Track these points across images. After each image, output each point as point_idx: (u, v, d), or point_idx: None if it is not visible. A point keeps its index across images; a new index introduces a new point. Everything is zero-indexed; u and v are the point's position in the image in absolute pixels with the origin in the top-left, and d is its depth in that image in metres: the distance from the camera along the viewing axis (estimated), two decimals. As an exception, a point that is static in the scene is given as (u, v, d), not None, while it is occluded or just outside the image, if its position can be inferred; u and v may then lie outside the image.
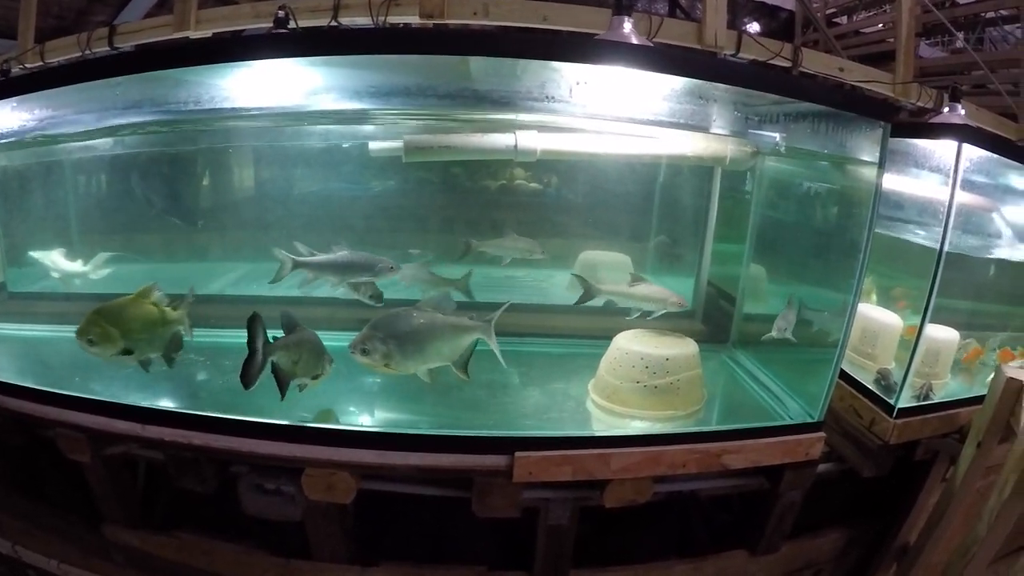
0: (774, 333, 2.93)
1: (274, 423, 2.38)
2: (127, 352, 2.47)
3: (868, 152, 2.53)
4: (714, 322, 3.56)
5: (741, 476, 2.64)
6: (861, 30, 7.84)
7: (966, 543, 2.69)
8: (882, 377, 3.07)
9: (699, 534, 3.15)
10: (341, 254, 2.84)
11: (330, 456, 2.34)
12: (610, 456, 2.38)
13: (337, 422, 2.54)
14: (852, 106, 2.47)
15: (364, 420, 2.68)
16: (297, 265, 2.80)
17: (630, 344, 2.71)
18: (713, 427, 2.57)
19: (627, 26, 2.31)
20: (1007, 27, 6.92)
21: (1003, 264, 3.55)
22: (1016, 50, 5.98)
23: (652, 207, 3.49)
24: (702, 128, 2.69)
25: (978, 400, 3.07)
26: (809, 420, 2.67)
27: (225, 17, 4.07)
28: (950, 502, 2.94)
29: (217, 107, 2.61)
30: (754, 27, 7.89)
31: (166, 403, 2.60)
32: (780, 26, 8.11)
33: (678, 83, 2.37)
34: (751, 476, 2.65)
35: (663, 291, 3.03)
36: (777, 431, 2.58)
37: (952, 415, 3.08)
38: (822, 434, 2.64)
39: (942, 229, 2.74)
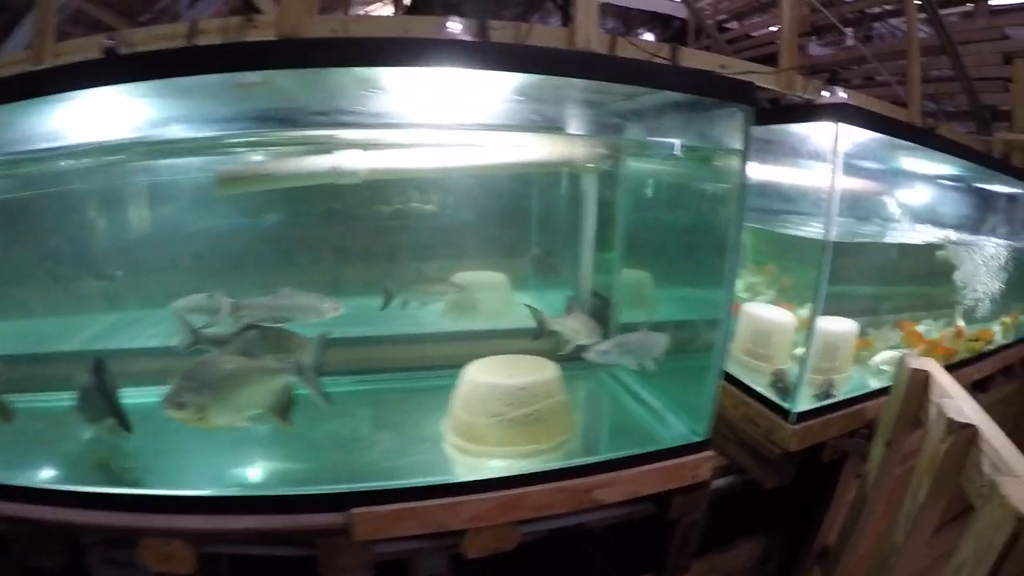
0: (592, 357, 2.37)
1: (106, 492, 1.93)
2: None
3: (736, 141, 2.08)
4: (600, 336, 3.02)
5: (625, 506, 2.14)
6: (751, 33, 7.49)
7: (884, 552, 2.25)
8: (777, 379, 2.61)
9: (602, 564, 2.68)
10: (283, 294, 2.40)
11: (161, 524, 1.87)
12: (459, 505, 1.88)
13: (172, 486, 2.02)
14: (709, 90, 2.00)
15: (207, 481, 2.13)
16: (236, 309, 2.31)
17: (480, 375, 2.20)
18: (579, 461, 2.03)
19: (454, 26, 2.00)
20: (892, 20, 6.62)
21: (900, 248, 3.14)
22: (902, 43, 5.64)
23: (528, 220, 3.00)
24: (553, 129, 2.21)
25: (885, 392, 2.68)
26: (694, 440, 2.19)
27: (83, 48, 3.52)
28: (864, 504, 2.51)
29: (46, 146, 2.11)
30: (648, 37, 7.50)
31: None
32: (673, 35, 7.74)
33: (518, 83, 1.90)
34: (637, 504, 2.17)
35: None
36: (657, 456, 2.09)
37: (858, 410, 2.66)
38: (710, 453, 2.16)
39: (826, 216, 2.31)
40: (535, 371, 2.22)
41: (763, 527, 2.94)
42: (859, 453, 2.66)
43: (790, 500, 2.84)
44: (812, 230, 2.55)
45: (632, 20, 7.42)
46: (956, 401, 2.06)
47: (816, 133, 2.48)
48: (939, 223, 3.35)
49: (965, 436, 1.89)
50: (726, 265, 2.06)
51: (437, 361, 2.59)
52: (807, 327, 2.48)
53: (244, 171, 2.14)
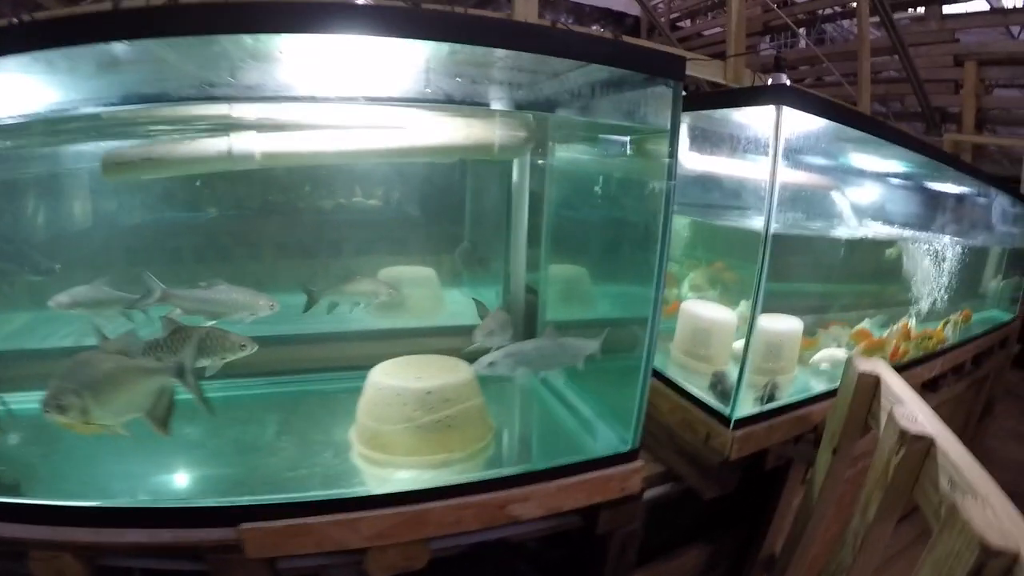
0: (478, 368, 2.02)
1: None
2: None
3: (663, 121, 1.87)
4: (532, 332, 2.77)
5: (548, 520, 1.93)
6: (703, 32, 7.36)
7: (830, 569, 2.05)
8: (717, 381, 2.41)
9: (534, 577, 2.46)
10: (218, 288, 2.17)
11: (47, 536, 1.66)
12: (359, 522, 1.67)
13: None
14: (635, 62, 1.79)
15: (97, 491, 1.88)
16: (165, 297, 2.07)
17: (384, 378, 1.98)
18: (490, 473, 1.83)
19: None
20: (844, 23, 6.53)
21: (848, 244, 2.96)
22: (853, 44, 5.54)
23: (457, 213, 2.78)
24: (475, 106, 1.97)
25: (832, 395, 2.48)
26: (623, 449, 1.98)
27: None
28: (811, 515, 2.32)
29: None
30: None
31: None
32: (626, 31, 7.58)
33: (428, 54, 1.66)
34: (562, 518, 1.96)
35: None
36: (580, 468, 1.88)
37: (804, 414, 2.47)
38: (639, 464, 1.97)
39: (767, 207, 2.12)
40: (446, 373, 2.00)
41: (707, 534, 2.74)
42: (805, 459, 2.49)
43: (734, 506, 2.66)
44: (754, 224, 2.38)
45: (585, 17, 7.25)
46: (909, 407, 1.87)
47: (759, 119, 2.30)
48: (888, 220, 3.19)
49: (919, 448, 1.71)
50: (655, 258, 1.86)
51: (360, 361, 2.26)
52: (747, 325, 2.29)
53: (132, 155, 1.89)
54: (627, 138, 2.09)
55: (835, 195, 2.98)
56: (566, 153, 2.49)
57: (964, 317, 3.70)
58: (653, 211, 1.90)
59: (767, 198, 2.13)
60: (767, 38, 6.55)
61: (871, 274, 3.30)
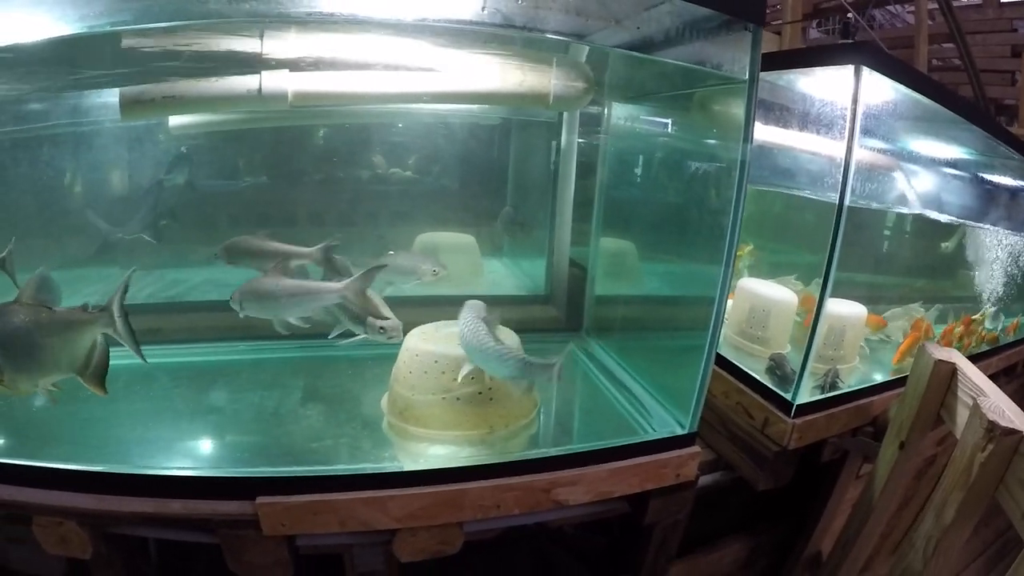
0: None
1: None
2: None
3: (740, 71, 1.61)
4: (575, 307, 2.55)
5: (594, 506, 1.70)
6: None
7: (894, 575, 1.82)
8: (776, 365, 2.17)
9: (569, 565, 2.24)
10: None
11: (50, 501, 1.50)
12: (387, 500, 1.45)
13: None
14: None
15: (104, 455, 1.69)
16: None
17: (423, 343, 1.74)
18: (537, 453, 1.59)
19: None
20: (894, 8, 6.16)
21: (920, 227, 2.67)
22: (905, 30, 5.22)
23: (500, 174, 2.52)
24: (530, 31, 1.64)
25: (894, 384, 2.27)
26: (679, 432, 1.75)
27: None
28: (870, 513, 2.07)
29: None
30: None
31: None
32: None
33: None
34: (608, 504, 1.73)
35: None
36: (632, 450, 1.65)
37: (864, 405, 2.23)
38: (696, 448, 1.73)
39: (841, 179, 1.86)
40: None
41: (749, 526, 2.51)
42: (862, 452, 2.24)
43: (781, 498, 2.41)
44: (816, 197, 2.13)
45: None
46: (994, 400, 1.62)
47: (828, 83, 2.03)
48: (962, 209, 2.88)
49: (1008, 444, 1.47)
50: (726, 229, 1.61)
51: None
52: (811, 307, 2.04)
53: (152, 92, 1.68)
54: (693, 92, 1.83)
55: (902, 174, 2.70)
56: (625, 110, 2.23)
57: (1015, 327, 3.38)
58: (723, 177, 1.65)
59: (843, 171, 1.87)
60: (814, 23, 6.19)
61: (936, 264, 3.01)
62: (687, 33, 1.60)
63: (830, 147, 2.09)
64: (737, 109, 1.62)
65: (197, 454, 1.72)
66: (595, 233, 2.45)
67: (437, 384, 1.66)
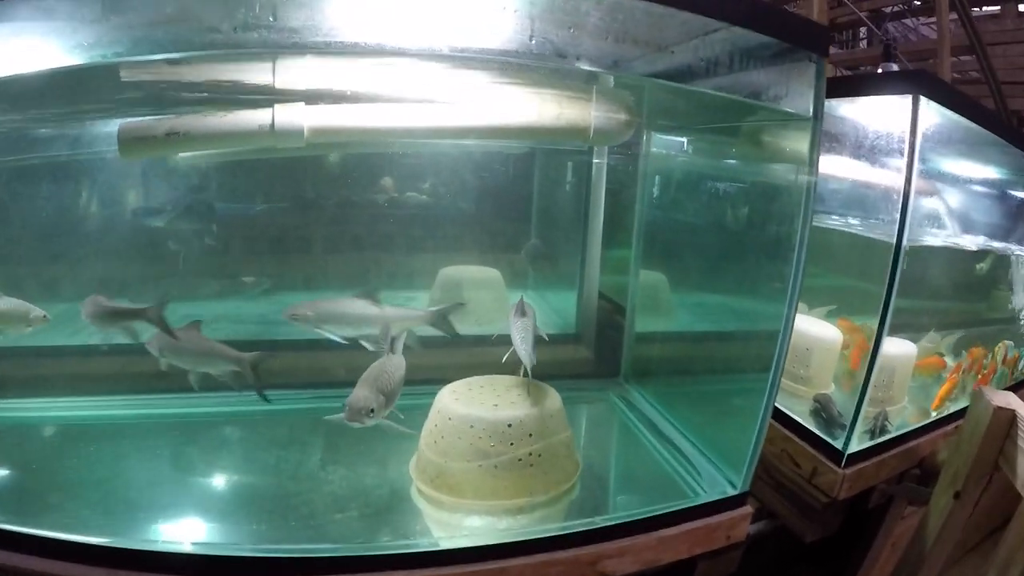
0: None
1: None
2: None
3: (796, 104, 1.47)
4: (608, 348, 2.34)
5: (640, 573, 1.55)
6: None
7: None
8: (821, 407, 2.02)
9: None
10: None
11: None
12: (423, 582, 1.29)
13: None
14: (771, 27, 1.37)
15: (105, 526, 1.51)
16: None
17: (456, 404, 1.56)
18: (582, 524, 1.42)
19: None
20: (910, 21, 6.01)
21: (959, 255, 2.52)
22: (924, 43, 5.07)
23: (527, 206, 2.35)
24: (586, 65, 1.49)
25: (940, 423, 2.18)
26: (730, 492, 1.59)
27: None
28: (922, 564, 1.92)
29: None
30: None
31: None
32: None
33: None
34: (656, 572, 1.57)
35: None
36: (684, 516, 1.49)
37: (911, 448, 2.08)
38: (748, 510, 1.57)
39: (900, 210, 1.71)
40: (532, 401, 1.58)
41: (788, 571, 2.35)
42: (907, 497, 2.09)
43: (821, 543, 2.26)
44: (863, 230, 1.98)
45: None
46: (1060, 453, 1.48)
47: (881, 110, 1.89)
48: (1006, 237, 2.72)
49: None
50: (789, 268, 1.45)
51: (414, 372, 1.76)
52: (862, 346, 1.89)
53: (154, 129, 1.51)
54: (740, 125, 1.69)
55: (946, 204, 2.54)
56: (667, 141, 2.08)
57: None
58: (782, 213, 1.50)
59: (901, 203, 1.72)
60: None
61: (973, 285, 2.85)
62: (741, 63, 1.45)
63: (870, 174, 1.97)
64: (798, 143, 1.48)
65: (204, 525, 1.53)
66: (634, 265, 2.27)
67: (473, 450, 1.48)
